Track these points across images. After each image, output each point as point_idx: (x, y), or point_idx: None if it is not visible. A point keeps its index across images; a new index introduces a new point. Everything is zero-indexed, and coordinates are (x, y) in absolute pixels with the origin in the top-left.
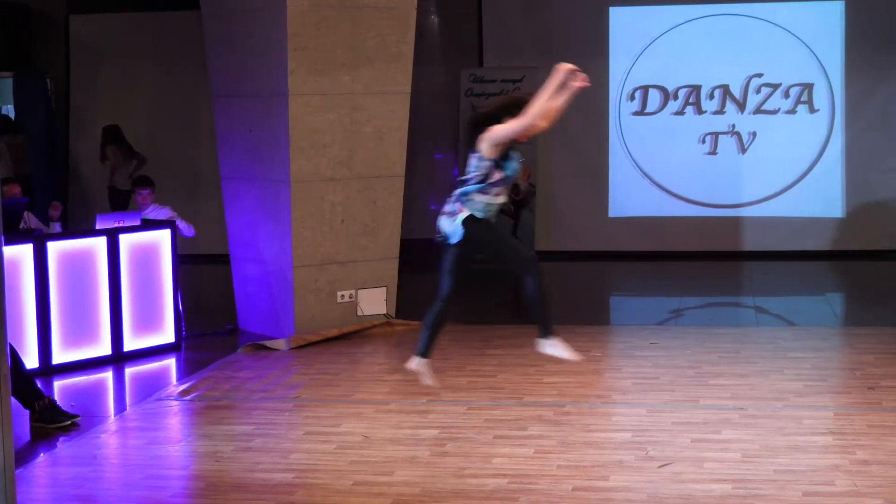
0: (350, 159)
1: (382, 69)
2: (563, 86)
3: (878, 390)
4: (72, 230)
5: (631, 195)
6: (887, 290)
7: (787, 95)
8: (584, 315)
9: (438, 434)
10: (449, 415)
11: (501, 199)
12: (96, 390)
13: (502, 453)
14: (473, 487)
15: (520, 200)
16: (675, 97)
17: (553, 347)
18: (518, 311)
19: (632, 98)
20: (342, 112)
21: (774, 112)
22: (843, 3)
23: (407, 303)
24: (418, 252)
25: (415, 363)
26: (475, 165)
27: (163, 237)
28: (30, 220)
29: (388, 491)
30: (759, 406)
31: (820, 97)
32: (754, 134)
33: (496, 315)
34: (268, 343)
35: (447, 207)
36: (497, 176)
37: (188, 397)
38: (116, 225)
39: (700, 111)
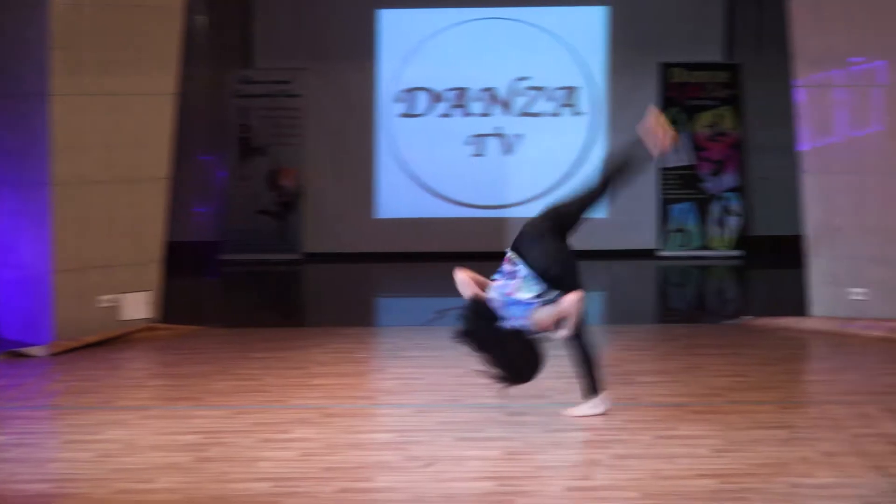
0: (113, 161)
1: (148, 70)
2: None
3: (634, 385)
4: None
5: (398, 196)
6: (650, 288)
7: (551, 98)
8: (350, 316)
9: (202, 439)
10: (213, 419)
11: None
12: None
13: (267, 457)
14: (237, 492)
15: (286, 202)
16: (443, 99)
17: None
18: (282, 313)
19: (399, 100)
20: (106, 113)
21: (539, 115)
22: (606, 7)
23: (171, 307)
24: (183, 255)
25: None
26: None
27: None
28: None
29: (150, 498)
30: (523, 404)
31: (584, 100)
32: (520, 136)
33: (260, 317)
34: (25, 350)
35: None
36: None
37: None
38: None
39: (467, 113)
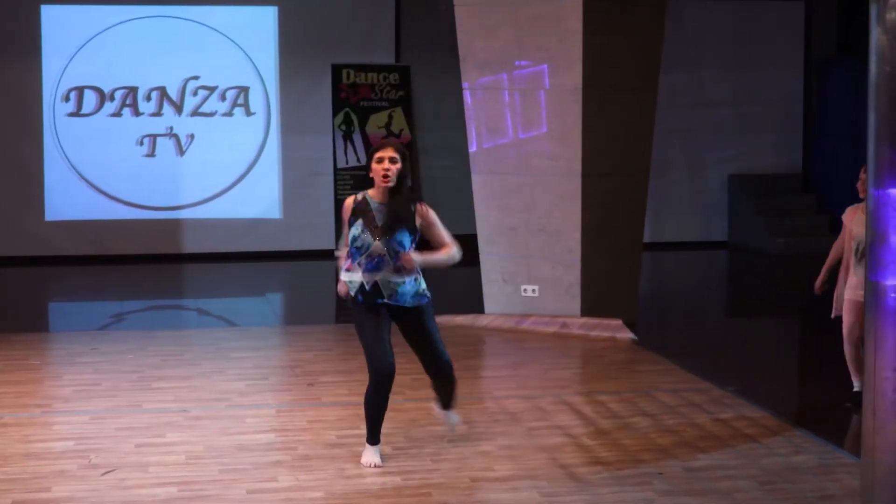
0: None
1: None
2: None
3: (317, 386)
4: None
5: (68, 198)
6: (323, 288)
7: (223, 98)
8: (21, 322)
9: None
10: None
11: None
12: None
13: None
14: None
15: None
16: (112, 98)
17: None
18: None
19: (66, 99)
20: None
21: (212, 115)
22: (277, 7)
23: None
24: None
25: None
26: (402, 244)
27: None
28: None
29: None
30: (203, 407)
31: (256, 100)
32: (192, 136)
33: None
34: None
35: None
36: None
37: None
38: None
39: (137, 113)
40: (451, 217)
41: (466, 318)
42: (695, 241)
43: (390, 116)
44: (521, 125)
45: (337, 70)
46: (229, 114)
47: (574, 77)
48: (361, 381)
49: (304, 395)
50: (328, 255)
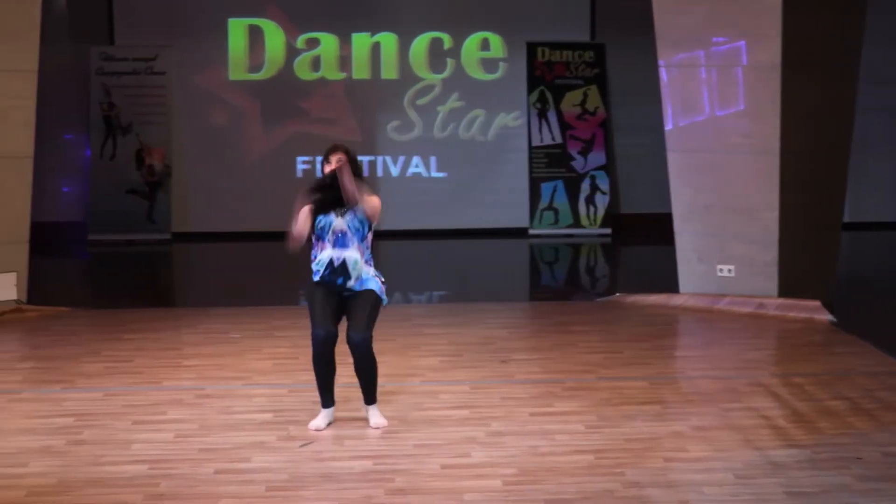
0: None
1: (5, 46)
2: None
3: (509, 363)
4: None
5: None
6: (517, 265)
7: None
8: (217, 296)
9: (74, 422)
10: (85, 402)
11: None
12: None
13: (141, 439)
14: (111, 475)
15: (154, 182)
16: None
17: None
18: (151, 294)
19: None
20: None
21: None
22: None
23: (39, 287)
24: (50, 235)
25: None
26: (360, 222)
27: None
28: None
29: (22, 483)
30: (397, 383)
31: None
32: None
33: (129, 298)
34: None
35: (372, 269)
36: None
37: None
38: None
39: None
40: (645, 195)
41: (660, 298)
42: None
43: (585, 94)
44: (717, 102)
45: (532, 48)
46: None
47: (772, 54)
48: (554, 359)
49: (498, 372)
50: (523, 234)
